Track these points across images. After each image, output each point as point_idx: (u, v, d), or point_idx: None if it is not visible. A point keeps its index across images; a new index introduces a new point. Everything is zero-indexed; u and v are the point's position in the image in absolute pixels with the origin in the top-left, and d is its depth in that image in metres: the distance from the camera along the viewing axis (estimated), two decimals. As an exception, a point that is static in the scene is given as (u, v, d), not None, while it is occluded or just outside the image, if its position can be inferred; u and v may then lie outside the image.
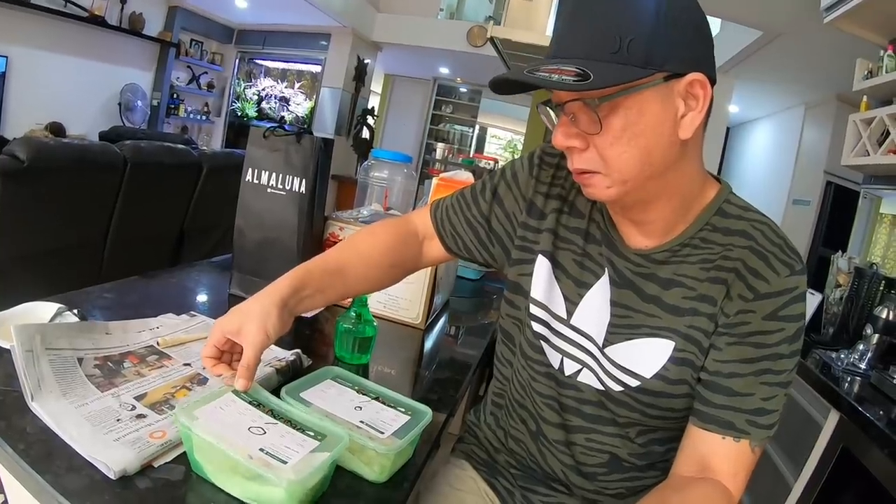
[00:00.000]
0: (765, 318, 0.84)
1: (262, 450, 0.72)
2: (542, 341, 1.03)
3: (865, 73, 2.97)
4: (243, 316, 0.90)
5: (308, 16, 7.53)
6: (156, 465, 0.77)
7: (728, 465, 0.84)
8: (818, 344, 2.46)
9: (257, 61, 9.81)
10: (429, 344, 1.52)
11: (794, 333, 0.85)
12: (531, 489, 1.08)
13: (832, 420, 1.93)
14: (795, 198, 6.18)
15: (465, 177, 2.12)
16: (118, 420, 0.83)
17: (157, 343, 1.10)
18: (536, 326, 1.04)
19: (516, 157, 1.22)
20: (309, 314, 1.49)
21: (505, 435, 1.14)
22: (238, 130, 9.40)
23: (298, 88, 9.67)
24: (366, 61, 8.52)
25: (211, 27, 8.84)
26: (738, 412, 0.84)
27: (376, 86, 10.76)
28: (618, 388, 0.94)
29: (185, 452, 0.78)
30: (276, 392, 0.90)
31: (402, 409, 0.93)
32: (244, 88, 9.66)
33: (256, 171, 1.50)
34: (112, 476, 0.72)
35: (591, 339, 0.97)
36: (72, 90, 6.64)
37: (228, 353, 0.92)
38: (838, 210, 5.22)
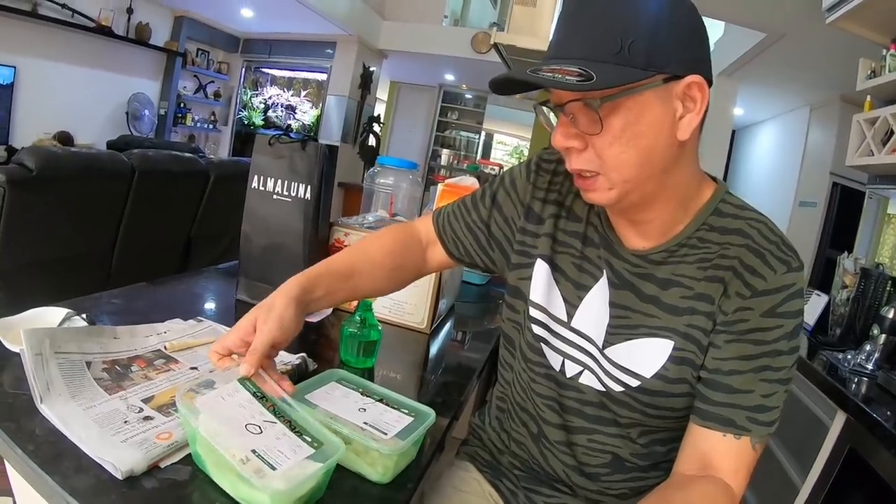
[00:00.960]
0: (763, 315, 0.85)
1: (254, 451, 0.72)
2: (542, 344, 1.04)
3: (869, 72, 2.97)
4: (257, 312, 0.92)
5: (313, 24, 7.56)
6: (162, 465, 0.78)
7: (729, 462, 0.84)
8: (825, 345, 2.46)
9: (263, 70, 9.84)
10: (434, 348, 1.53)
11: (792, 330, 0.85)
12: (535, 490, 1.09)
13: (839, 421, 1.92)
14: (802, 200, 6.15)
15: (470, 182, 2.13)
16: (125, 422, 0.84)
17: (165, 347, 1.12)
18: (536, 329, 1.05)
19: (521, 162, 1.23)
20: (314, 319, 1.51)
21: (508, 438, 1.15)
22: (245, 139, 9.42)
23: (304, 96, 9.69)
24: (371, 69, 8.53)
25: (217, 36, 8.88)
26: (738, 409, 0.85)
27: (382, 93, 10.79)
28: (618, 388, 0.94)
29: (191, 453, 0.80)
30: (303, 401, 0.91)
31: (406, 411, 0.94)
32: (250, 97, 9.70)
33: (262, 177, 1.51)
34: (119, 476, 0.73)
35: (591, 340, 0.98)
36: (79, 100, 6.68)
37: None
38: (845, 211, 5.19)
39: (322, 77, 9.00)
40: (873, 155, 2.88)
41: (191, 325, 1.28)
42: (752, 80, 6.17)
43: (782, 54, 5.02)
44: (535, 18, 3.86)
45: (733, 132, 8.28)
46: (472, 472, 1.18)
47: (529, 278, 1.07)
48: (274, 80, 9.90)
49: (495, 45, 3.68)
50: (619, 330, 0.95)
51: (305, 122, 9.45)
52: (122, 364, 1.02)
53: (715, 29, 6.32)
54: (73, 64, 6.50)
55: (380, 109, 9.83)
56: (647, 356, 0.92)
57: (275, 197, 1.50)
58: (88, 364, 0.98)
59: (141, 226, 3.39)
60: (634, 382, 0.93)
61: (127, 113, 7.33)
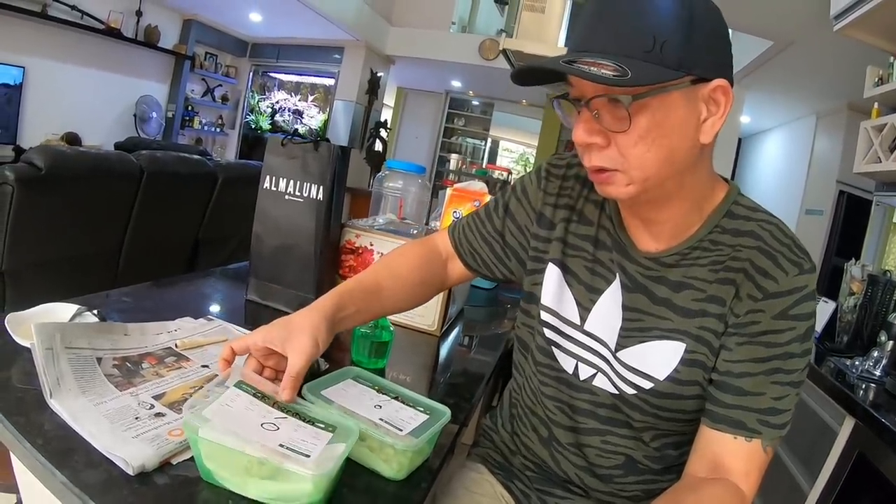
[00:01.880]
0: (774, 318, 0.84)
1: (282, 445, 0.72)
2: (553, 347, 1.04)
3: (876, 80, 2.98)
4: (291, 328, 0.90)
5: (321, 29, 7.58)
6: (174, 462, 0.78)
7: (740, 464, 0.84)
8: (832, 352, 2.45)
9: (271, 74, 9.88)
10: (444, 351, 1.53)
11: (804, 332, 0.85)
12: (547, 491, 1.09)
13: (847, 426, 1.92)
14: (808, 208, 6.15)
15: (479, 187, 2.13)
16: (137, 418, 0.84)
17: (176, 345, 1.12)
18: (548, 332, 1.05)
19: (528, 169, 1.23)
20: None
21: (519, 441, 1.15)
22: (252, 143, 9.45)
23: (312, 101, 9.72)
24: (379, 74, 8.55)
25: (225, 40, 8.91)
26: (749, 412, 0.84)
27: (389, 99, 10.82)
28: (631, 391, 0.94)
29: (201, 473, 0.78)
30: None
31: (421, 409, 0.94)
32: (258, 101, 9.73)
33: (274, 178, 1.51)
34: (130, 472, 0.73)
35: (604, 343, 0.98)
36: (88, 101, 6.71)
37: (256, 362, 0.92)
38: (851, 219, 5.19)
39: (329, 82, 9.04)
40: (881, 162, 2.88)
41: (201, 323, 1.27)
42: (760, 88, 6.17)
43: (790, 62, 5.02)
44: (543, 24, 3.86)
45: (740, 140, 8.28)
46: (483, 474, 1.18)
47: (541, 283, 1.07)
48: (281, 85, 9.93)
49: (504, 51, 3.68)
50: (632, 333, 0.95)
51: (313, 127, 9.48)
52: (133, 361, 1.02)
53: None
54: (82, 65, 6.53)
55: (387, 115, 9.84)
56: (660, 359, 0.92)
57: (287, 197, 1.50)
58: (99, 360, 0.98)
59: (148, 227, 3.39)
60: (647, 385, 0.92)
61: (135, 115, 7.36)
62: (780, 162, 7.69)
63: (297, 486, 0.70)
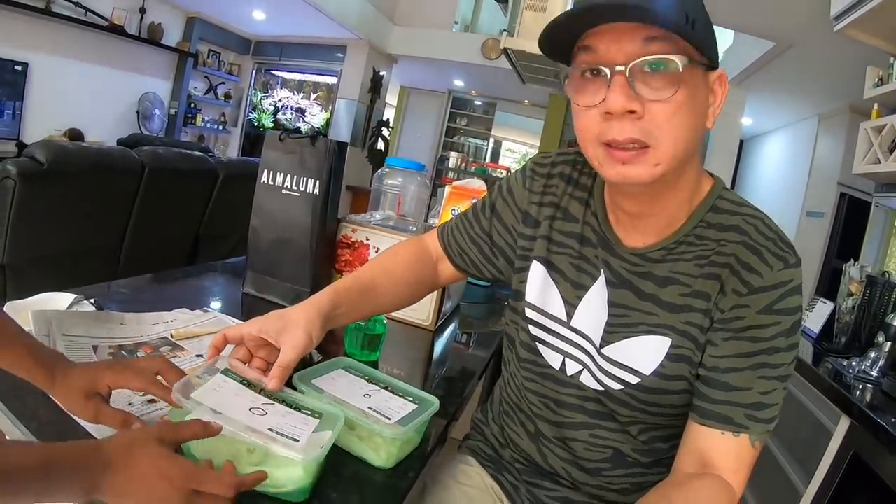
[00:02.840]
0: (759, 313, 0.84)
1: (271, 429, 0.73)
2: (538, 343, 1.05)
3: (876, 80, 2.98)
4: (287, 320, 0.92)
5: (324, 28, 7.60)
6: None
7: (729, 460, 0.84)
8: (830, 352, 2.45)
9: (274, 72, 9.90)
10: (438, 345, 1.54)
11: (790, 327, 0.84)
12: (536, 484, 1.09)
13: (843, 426, 1.92)
14: (809, 210, 6.14)
15: (478, 185, 2.14)
16: (130, 404, 0.86)
17: (171, 335, 1.13)
18: (532, 329, 1.06)
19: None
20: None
21: (507, 435, 1.16)
22: (254, 141, 9.46)
23: (314, 100, 9.75)
24: (381, 73, 8.56)
25: (228, 38, 8.93)
26: (736, 407, 0.84)
27: (392, 98, 10.82)
28: (617, 386, 0.94)
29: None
30: (286, 382, 0.92)
31: (410, 399, 0.96)
32: (261, 99, 9.75)
33: (271, 172, 1.53)
34: None
35: (589, 339, 0.98)
36: (91, 97, 6.73)
37: (245, 351, 0.92)
38: (852, 222, 5.19)
39: (332, 80, 9.05)
40: (880, 163, 2.89)
41: (197, 314, 1.29)
42: (761, 90, 6.17)
43: (791, 63, 5.02)
44: (544, 24, 3.87)
45: (741, 142, 8.27)
46: (473, 466, 1.18)
47: (526, 280, 1.08)
48: (284, 83, 9.95)
49: (505, 51, 3.69)
50: (617, 328, 0.95)
51: (315, 125, 9.50)
52: (129, 349, 1.03)
53: (724, 37, 6.33)
54: (85, 62, 6.55)
55: (389, 114, 9.85)
56: (646, 353, 0.92)
57: (283, 192, 1.52)
58: (95, 348, 0.99)
59: (150, 222, 3.40)
60: (633, 380, 0.93)
61: (137, 112, 7.37)
62: (782, 164, 7.69)
63: (286, 471, 0.72)
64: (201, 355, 1.08)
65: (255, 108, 9.72)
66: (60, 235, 2.97)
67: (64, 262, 3.04)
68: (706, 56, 0.78)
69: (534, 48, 3.49)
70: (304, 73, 9.72)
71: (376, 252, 1.62)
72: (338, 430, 0.77)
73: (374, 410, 0.89)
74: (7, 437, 0.82)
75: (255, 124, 9.66)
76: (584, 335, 0.99)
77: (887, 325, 2.17)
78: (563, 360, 1.02)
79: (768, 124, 8.05)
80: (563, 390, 1.02)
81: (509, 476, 1.15)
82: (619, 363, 0.94)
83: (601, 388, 0.96)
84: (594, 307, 0.98)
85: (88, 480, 0.61)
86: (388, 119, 8.97)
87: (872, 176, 3.18)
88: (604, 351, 0.96)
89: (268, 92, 9.87)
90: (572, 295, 1.01)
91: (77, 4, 6.05)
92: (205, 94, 8.86)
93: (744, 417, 0.84)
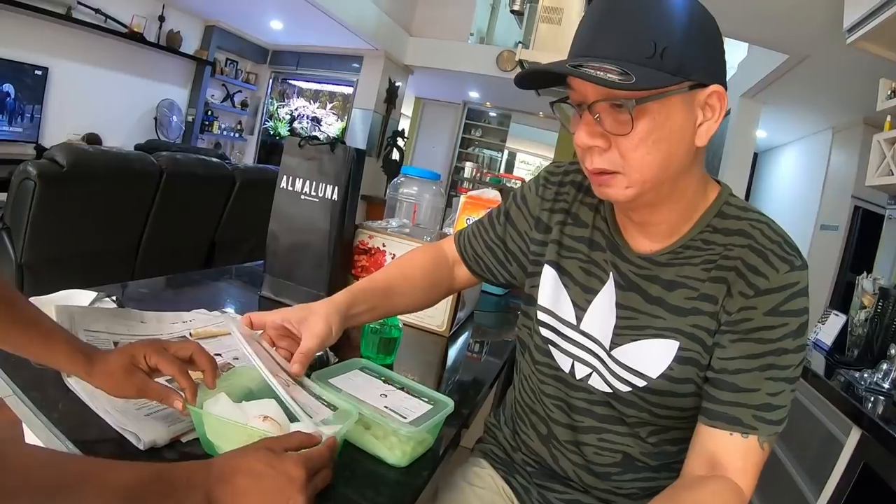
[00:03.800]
0: (766, 314, 0.86)
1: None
2: (549, 346, 1.07)
3: (889, 92, 2.97)
4: (308, 311, 0.98)
5: (341, 38, 7.66)
6: (183, 440, 0.82)
7: (738, 461, 0.85)
8: (842, 364, 2.44)
9: (290, 81, 9.96)
10: (452, 351, 1.56)
11: (797, 328, 0.86)
12: (547, 486, 1.11)
13: (854, 437, 1.92)
14: (823, 223, 6.10)
15: (493, 195, 2.16)
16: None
17: (190, 334, 1.16)
18: (544, 332, 1.08)
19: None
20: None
21: (520, 438, 1.18)
22: (270, 149, 9.51)
23: (330, 109, 9.81)
24: (397, 84, 8.62)
25: (246, 47, 9.00)
26: (744, 408, 0.85)
27: (407, 108, 10.86)
28: (625, 388, 0.96)
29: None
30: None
31: (426, 399, 0.98)
32: (277, 108, 9.81)
33: (291, 178, 1.55)
34: (142, 447, 0.77)
35: (598, 342, 1.00)
36: (109, 103, 6.79)
37: (267, 337, 0.98)
38: (866, 235, 5.15)
39: (348, 90, 9.09)
40: (893, 174, 2.88)
41: (215, 316, 1.31)
42: (775, 102, 6.16)
43: (805, 76, 5.01)
44: (559, 36, 3.89)
45: (756, 155, 8.25)
46: (486, 469, 1.20)
47: (538, 285, 1.10)
48: (301, 92, 10.02)
49: (520, 62, 3.72)
50: (626, 331, 0.97)
51: (330, 135, 9.52)
52: (150, 347, 1.06)
53: (738, 50, 6.33)
54: (104, 68, 6.61)
55: (404, 124, 9.88)
56: (653, 356, 0.93)
57: (302, 197, 1.54)
58: (115, 344, 1.02)
59: (166, 227, 3.45)
60: (641, 383, 0.94)
61: (155, 118, 7.44)
62: (796, 177, 7.66)
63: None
64: (220, 354, 1.10)
65: (271, 117, 9.77)
66: (78, 237, 3.02)
67: (81, 264, 3.08)
68: (689, 77, 0.80)
69: (549, 60, 3.53)
70: (320, 82, 9.78)
71: (392, 258, 1.64)
72: (346, 427, 0.80)
73: (391, 409, 0.91)
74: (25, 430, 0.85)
75: (272, 133, 9.70)
76: (593, 338, 1.01)
77: (900, 337, 2.16)
78: (573, 364, 1.04)
79: (783, 137, 8.03)
80: (573, 394, 1.04)
81: (520, 478, 1.16)
82: (627, 366, 0.95)
83: (609, 391, 0.98)
84: (603, 310, 1.00)
85: (203, 495, 0.64)
86: (403, 129, 9.01)
87: (885, 188, 3.17)
88: (613, 353, 0.97)
89: (284, 101, 9.94)
90: (582, 298, 1.03)
91: (97, 11, 6.12)
92: (222, 101, 8.92)
93: (752, 418, 0.85)
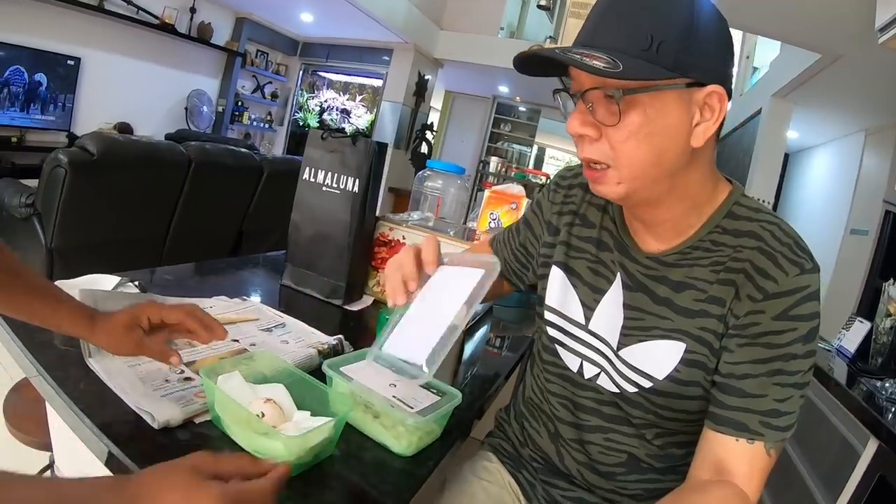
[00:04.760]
0: (775, 318, 0.84)
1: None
2: (557, 345, 1.09)
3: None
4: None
5: (371, 31, 7.68)
6: (197, 421, 0.85)
7: (743, 467, 0.84)
8: (864, 372, 2.41)
9: (320, 73, 10.00)
10: (467, 344, 1.56)
11: (807, 333, 0.84)
12: (552, 483, 1.12)
13: (871, 448, 1.89)
14: (853, 227, 5.99)
15: (517, 190, 2.16)
16: (167, 381, 0.92)
17: (211, 320, 1.18)
18: (551, 331, 1.09)
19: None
20: (355, 307, 1.56)
21: (527, 435, 1.20)
22: (299, 140, 9.52)
23: (360, 101, 9.83)
24: (427, 77, 8.62)
25: (276, 39, 9.06)
26: (751, 413, 0.84)
27: (437, 102, 10.85)
28: (632, 389, 0.96)
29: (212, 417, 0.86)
30: (316, 371, 0.97)
31: (435, 391, 1.00)
32: (307, 99, 9.86)
33: (313, 170, 1.58)
34: (156, 426, 0.80)
35: (606, 342, 1.01)
36: (140, 93, 6.89)
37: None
38: (896, 240, 5.10)
39: (378, 83, 9.11)
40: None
41: (235, 302, 1.35)
42: (807, 103, 6.06)
43: (838, 76, 4.93)
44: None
45: (787, 155, 8.14)
46: (493, 463, 1.21)
47: (546, 286, 1.12)
48: (330, 84, 10.05)
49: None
50: (633, 332, 0.97)
51: (360, 127, 9.57)
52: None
53: (771, 49, 6.25)
54: (136, 58, 6.71)
55: (434, 118, 9.88)
56: (660, 358, 0.93)
57: (324, 189, 1.57)
58: (138, 327, 1.05)
59: (194, 216, 3.50)
60: (647, 384, 0.94)
61: (186, 108, 7.52)
62: (827, 179, 7.53)
63: (273, 443, 0.77)
64: (237, 340, 1.14)
65: (301, 108, 9.83)
66: (107, 224, 3.08)
67: (109, 250, 3.14)
68: (686, 75, 0.80)
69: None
70: (350, 74, 9.80)
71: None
72: (341, 421, 0.82)
73: (399, 399, 0.92)
74: (48, 410, 0.88)
75: (301, 124, 9.75)
76: (601, 338, 1.01)
77: (925, 346, 2.13)
78: (581, 363, 1.05)
79: (814, 138, 7.90)
80: (581, 393, 1.05)
81: (527, 474, 1.17)
82: (634, 367, 0.95)
83: (617, 391, 0.99)
84: (610, 310, 1.00)
85: None
86: (431, 123, 9.01)
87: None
88: (621, 353, 0.97)
89: (314, 92, 9.98)
90: (590, 298, 1.04)
91: (129, 3, 6.21)
92: (252, 92, 8.99)
93: (759, 424, 0.84)
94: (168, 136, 4.38)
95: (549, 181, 1.23)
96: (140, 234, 3.34)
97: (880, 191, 5.47)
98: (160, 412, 0.81)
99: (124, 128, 6.24)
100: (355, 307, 1.58)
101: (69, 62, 5.80)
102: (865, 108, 5.59)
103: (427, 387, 1.00)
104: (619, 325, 0.98)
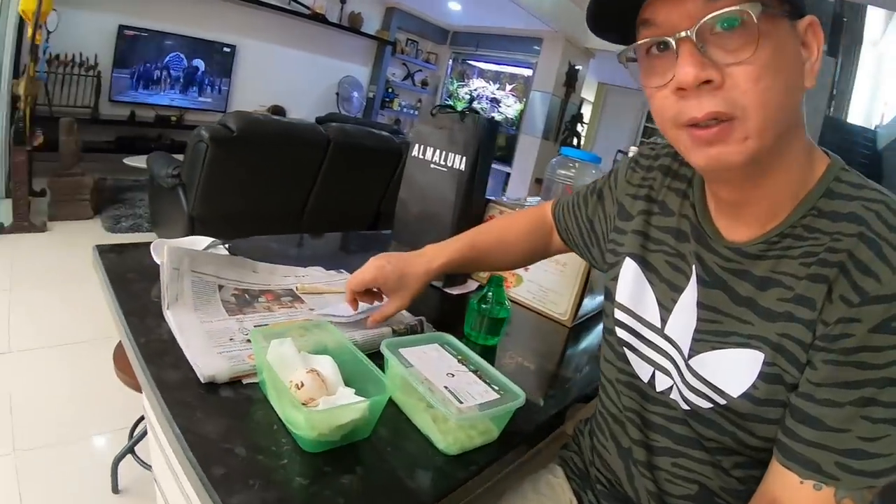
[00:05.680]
0: (872, 331, 0.63)
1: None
2: (625, 349, 0.92)
3: None
4: (404, 283, 1.11)
5: (520, 20, 7.60)
6: (244, 382, 0.85)
7: None
8: None
9: (470, 62, 10.04)
10: (571, 344, 1.42)
11: None
12: None
13: None
14: None
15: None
16: (231, 339, 0.92)
17: (296, 288, 1.18)
18: (621, 333, 0.93)
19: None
20: (456, 292, 1.52)
21: (596, 451, 1.03)
22: (448, 127, 9.64)
23: (510, 91, 9.78)
24: (577, 67, 8.42)
25: (426, 27, 9.20)
26: (826, 451, 0.66)
27: (589, 93, 10.62)
28: (706, 405, 0.78)
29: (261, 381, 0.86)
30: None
31: (496, 388, 0.90)
32: (457, 87, 9.94)
33: (422, 147, 1.55)
34: (202, 380, 0.81)
35: (678, 348, 0.83)
36: (293, 79, 7.31)
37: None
38: None
39: (528, 72, 9.02)
40: None
41: (330, 275, 1.33)
42: None
43: None
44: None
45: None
46: (558, 478, 1.07)
47: (617, 278, 0.95)
48: (480, 73, 10.07)
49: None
50: (706, 336, 0.79)
51: (509, 116, 9.53)
52: (252, 294, 1.11)
53: None
54: (288, 46, 7.15)
55: (586, 110, 9.67)
56: (736, 371, 0.74)
57: (432, 166, 1.53)
58: (220, 287, 1.08)
59: (331, 194, 3.61)
60: (721, 401, 0.76)
61: (337, 94, 7.83)
62: None
63: (298, 415, 0.73)
64: (314, 310, 1.13)
65: (451, 96, 9.93)
66: (245, 197, 3.26)
67: (246, 222, 3.31)
68: (787, 1, 0.64)
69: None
70: (499, 63, 9.78)
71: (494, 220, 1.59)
72: (376, 403, 0.77)
73: (451, 391, 0.85)
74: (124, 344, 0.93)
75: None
76: (675, 344, 0.84)
77: None
78: (653, 373, 0.88)
79: None
80: (651, 407, 0.89)
81: (591, 495, 1.02)
82: (705, 379, 0.78)
83: (687, 408, 0.81)
84: (686, 311, 0.83)
85: None
86: (581, 114, 8.84)
87: None
88: (691, 363, 0.80)
89: (464, 81, 10.04)
90: (668, 297, 0.86)
91: (281, -6, 6.63)
92: (402, 79, 9.19)
93: (834, 466, 0.66)
94: (318, 119, 4.52)
95: (629, 157, 1.05)
96: (277, 208, 3.49)
97: None
98: (207, 366, 0.82)
99: (278, 110, 6.55)
100: (456, 291, 1.52)
101: (225, 49, 6.33)
102: None
103: (489, 381, 0.91)
104: (692, 328, 0.81)
